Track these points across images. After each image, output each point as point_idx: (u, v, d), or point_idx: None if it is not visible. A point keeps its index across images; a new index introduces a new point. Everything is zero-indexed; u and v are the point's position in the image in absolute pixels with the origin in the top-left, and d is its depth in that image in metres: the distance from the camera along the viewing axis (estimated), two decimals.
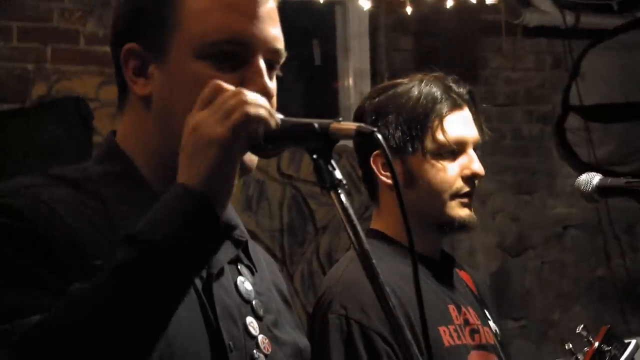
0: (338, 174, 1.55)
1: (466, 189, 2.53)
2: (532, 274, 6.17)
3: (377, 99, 2.59)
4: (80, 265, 1.54)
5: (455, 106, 2.53)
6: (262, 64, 1.66)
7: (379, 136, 1.52)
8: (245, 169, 1.68)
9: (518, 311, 6.06)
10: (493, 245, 6.03)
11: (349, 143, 1.53)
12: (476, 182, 2.56)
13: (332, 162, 1.55)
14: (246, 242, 1.82)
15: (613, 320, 6.34)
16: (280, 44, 1.71)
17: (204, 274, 1.69)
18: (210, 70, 1.64)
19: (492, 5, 5.10)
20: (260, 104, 1.53)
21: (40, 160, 4.38)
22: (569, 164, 6.14)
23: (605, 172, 5.87)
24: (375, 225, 2.65)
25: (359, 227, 1.54)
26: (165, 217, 1.50)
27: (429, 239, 2.60)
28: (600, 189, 2.55)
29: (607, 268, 6.37)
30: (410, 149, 2.52)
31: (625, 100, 6.27)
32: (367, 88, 5.76)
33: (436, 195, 2.53)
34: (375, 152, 2.55)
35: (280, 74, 1.75)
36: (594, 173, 2.60)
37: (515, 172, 6.12)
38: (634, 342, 2.25)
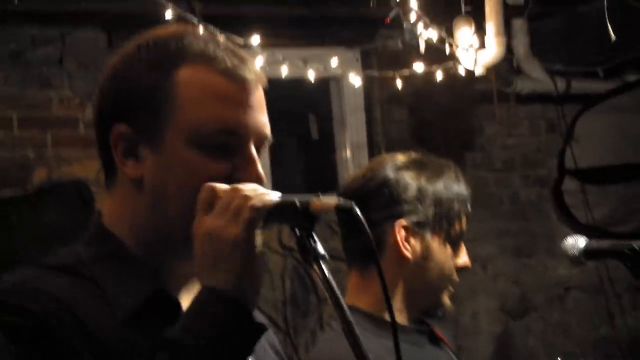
0: (320, 248, 1.56)
1: (457, 279, 2.59)
2: (535, 336, 6.13)
3: (402, 171, 2.57)
4: (91, 350, 1.54)
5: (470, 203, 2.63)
6: (254, 152, 1.67)
7: (358, 211, 1.54)
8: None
9: None
10: (495, 308, 6.01)
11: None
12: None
13: (314, 236, 1.57)
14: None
15: None
16: (268, 130, 1.71)
17: None
18: (203, 159, 1.64)
19: (483, 76, 5.09)
20: (259, 193, 1.56)
21: (43, 245, 4.36)
22: (568, 225, 6.12)
23: (602, 233, 5.91)
24: (351, 299, 2.58)
25: (341, 299, 1.55)
26: (203, 323, 1.52)
27: (415, 319, 2.61)
28: (586, 252, 2.52)
29: (610, 327, 6.31)
30: (435, 228, 2.54)
31: (619, 161, 6.26)
32: (364, 160, 5.79)
33: (441, 280, 2.57)
34: (399, 221, 2.53)
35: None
36: (579, 236, 2.57)
37: (515, 236, 6.10)
38: None
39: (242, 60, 1.69)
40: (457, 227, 2.55)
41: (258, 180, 1.64)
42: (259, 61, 4.53)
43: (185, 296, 1.70)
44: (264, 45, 4.42)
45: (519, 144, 6.18)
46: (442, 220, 2.54)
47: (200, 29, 3.98)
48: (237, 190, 1.55)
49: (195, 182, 1.62)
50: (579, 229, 5.76)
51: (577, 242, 2.51)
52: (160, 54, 1.69)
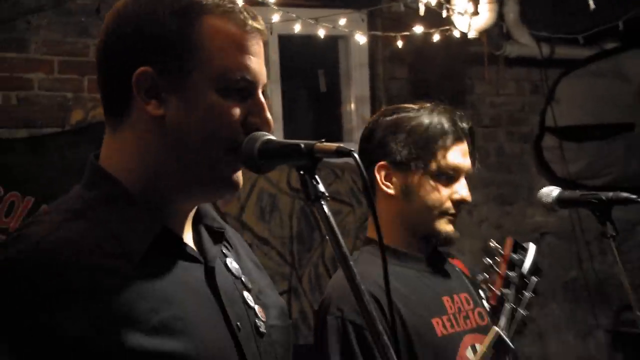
0: (321, 187, 1.57)
1: (452, 210, 2.58)
2: None
3: (390, 117, 2.61)
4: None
5: (457, 139, 2.58)
6: (263, 98, 1.70)
7: (356, 156, 1.55)
8: (237, 188, 1.72)
9: None
10: (479, 249, 6.03)
11: (351, 160, 1.59)
12: (462, 205, 2.61)
13: (316, 177, 1.58)
14: (224, 231, 1.85)
15: (584, 315, 6.35)
16: (265, 79, 1.74)
17: (202, 268, 1.72)
18: (226, 103, 1.66)
19: (476, 39, 5.12)
20: None
21: (78, 176, 4.40)
22: (546, 178, 6.15)
23: (577, 186, 5.96)
24: (370, 233, 2.69)
25: (339, 235, 1.56)
26: None
27: (419, 245, 2.64)
28: (559, 200, 2.60)
29: (579, 270, 6.38)
30: (413, 167, 2.57)
31: (595, 121, 6.29)
32: (367, 113, 5.78)
33: (428, 211, 2.58)
34: (379, 163, 2.59)
35: None
36: (554, 187, 2.65)
37: (499, 186, 6.13)
38: (531, 245, 2.44)
39: (254, 15, 1.71)
40: (436, 162, 2.56)
41: (266, 123, 1.68)
42: (275, 18, 4.57)
43: (186, 232, 1.75)
44: (279, 4, 4.44)
45: (505, 102, 6.18)
46: (417, 159, 2.56)
47: None
48: None
49: (217, 123, 1.65)
50: (556, 182, 5.79)
51: (551, 191, 2.62)
52: (183, 4, 1.67)
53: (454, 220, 2.60)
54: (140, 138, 1.67)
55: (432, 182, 2.57)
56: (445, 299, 2.60)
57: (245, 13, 1.69)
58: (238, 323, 1.71)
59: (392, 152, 2.58)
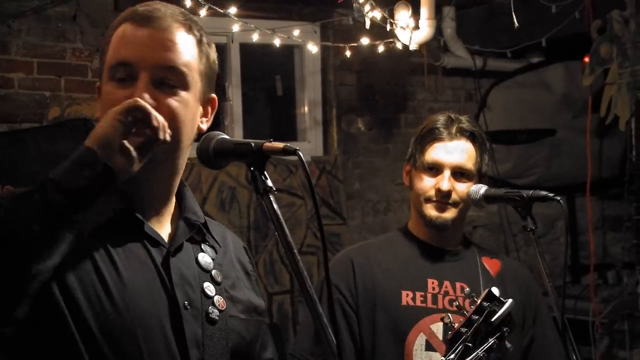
0: (269, 182, 1.61)
1: (434, 198, 2.69)
2: None
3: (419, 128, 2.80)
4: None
5: (441, 138, 2.69)
6: (143, 79, 1.68)
7: (300, 154, 1.59)
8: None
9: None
10: None
11: (306, 158, 1.59)
12: (450, 194, 2.68)
13: (265, 173, 1.61)
14: (201, 224, 1.85)
15: None
16: (170, 62, 1.70)
17: (164, 252, 1.73)
18: (114, 89, 1.69)
19: (417, 51, 5.14)
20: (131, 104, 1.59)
21: (54, 168, 4.36)
22: None
23: (505, 184, 6.00)
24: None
25: (284, 225, 1.62)
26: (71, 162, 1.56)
27: (425, 229, 2.76)
28: (485, 197, 2.62)
29: None
30: (412, 162, 2.76)
31: (521, 127, 6.34)
32: (319, 115, 5.80)
33: (417, 197, 2.73)
34: (406, 163, 2.80)
35: (181, 91, 1.73)
36: (482, 185, 2.66)
37: None
38: (509, 301, 2.33)
39: (154, 11, 1.73)
40: (422, 158, 2.69)
41: (134, 101, 1.61)
42: (235, 28, 4.55)
43: (157, 217, 1.77)
44: (239, 15, 4.43)
45: (443, 108, 5.95)
46: (414, 154, 2.73)
47: (188, 0, 4.01)
48: (134, 102, 1.59)
49: (107, 104, 1.65)
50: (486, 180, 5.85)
51: (479, 189, 2.63)
52: (116, 20, 1.78)
53: (439, 206, 2.68)
54: None
55: (421, 174, 2.71)
56: (431, 280, 2.68)
57: (145, 13, 1.73)
58: (186, 302, 1.71)
59: (411, 154, 2.78)
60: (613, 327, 5.05)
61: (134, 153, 1.56)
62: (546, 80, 6.28)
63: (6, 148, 4.44)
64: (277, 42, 4.75)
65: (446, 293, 2.66)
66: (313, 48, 4.91)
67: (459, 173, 2.68)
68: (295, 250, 1.60)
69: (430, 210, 2.69)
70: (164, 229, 1.78)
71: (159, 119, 1.59)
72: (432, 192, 2.68)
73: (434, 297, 2.64)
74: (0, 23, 4.56)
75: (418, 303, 2.61)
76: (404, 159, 2.83)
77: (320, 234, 1.72)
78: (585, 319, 5.32)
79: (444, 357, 2.26)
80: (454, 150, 2.67)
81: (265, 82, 5.82)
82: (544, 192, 2.47)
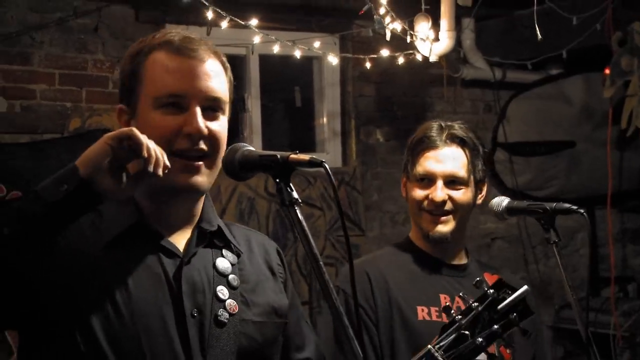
0: (295, 194, 1.61)
1: (428, 208, 2.63)
2: None
3: (413, 135, 2.73)
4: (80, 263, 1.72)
5: (432, 147, 2.62)
6: (197, 109, 1.78)
7: (326, 166, 1.60)
8: (192, 190, 1.81)
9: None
10: None
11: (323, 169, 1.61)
12: (445, 204, 2.63)
13: (291, 184, 1.62)
14: (213, 232, 1.90)
15: None
16: (216, 93, 1.82)
17: (178, 261, 1.79)
18: (161, 117, 1.78)
19: (436, 62, 5.13)
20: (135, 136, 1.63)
21: None
22: (497, 188, 6.15)
23: (524, 196, 5.98)
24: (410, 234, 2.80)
25: (309, 236, 1.60)
26: (55, 178, 1.62)
27: (425, 242, 2.70)
28: (508, 209, 2.60)
29: (525, 271, 6.40)
30: (405, 173, 2.72)
31: (540, 139, 6.32)
32: (337, 126, 5.79)
33: (412, 208, 2.69)
34: (403, 175, 2.73)
35: (225, 116, 1.87)
36: (504, 197, 2.65)
37: None
38: (525, 287, 2.21)
39: (192, 40, 1.83)
40: (415, 168, 2.64)
41: (198, 130, 1.77)
42: (256, 40, 4.56)
43: (177, 230, 1.85)
44: (260, 27, 4.43)
45: (461, 119, 6.08)
46: (406, 166, 2.69)
47: (210, 12, 4.03)
48: (130, 131, 1.63)
49: (154, 134, 1.71)
50: (506, 192, 5.84)
51: (502, 201, 2.61)
52: (137, 50, 1.85)
53: (434, 218, 2.62)
54: None
55: (414, 186, 2.66)
56: (443, 296, 2.62)
57: (183, 42, 1.82)
58: (194, 310, 1.76)
59: (405, 165, 2.73)
60: (634, 341, 5.01)
61: (124, 178, 1.63)
62: (565, 92, 6.27)
63: (27, 159, 4.47)
64: (297, 53, 4.75)
65: (458, 309, 2.62)
66: (333, 59, 4.90)
67: (452, 181, 2.64)
68: (321, 262, 1.61)
69: (427, 224, 2.64)
70: (184, 239, 1.85)
71: (151, 151, 1.63)
72: (425, 203, 2.64)
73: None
74: (23, 35, 4.59)
75: (434, 318, 2.58)
76: None
77: (346, 245, 1.72)
78: (606, 332, 5.29)
79: (432, 345, 2.04)
80: (445, 159, 2.63)
81: (284, 93, 5.82)
82: (567, 205, 2.46)
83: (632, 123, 4.98)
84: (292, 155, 1.62)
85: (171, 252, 1.80)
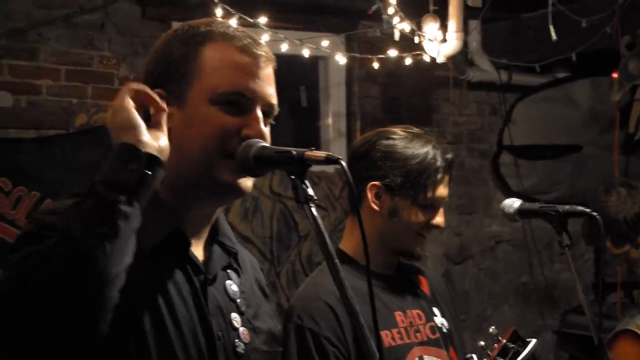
0: (311, 191, 1.57)
1: (426, 233, 2.57)
2: (470, 279, 6.18)
3: (387, 142, 2.56)
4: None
5: (445, 173, 2.56)
6: (259, 113, 1.71)
7: (344, 164, 1.55)
8: (240, 192, 1.72)
9: (459, 308, 6.06)
10: (440, 254, 6.03)
11: (327, 169, 1.58)
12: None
13: (306, 181, 1.58)
14: (236, 252, 1.85)
15: (533, 316, 6.36)
16: (274, 100, 1.76)
17: (202, 278, 1.73)
18: (218, 113, 1.69)
19: (443, 64, 5.13)
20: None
21: (80, 176, 4.38)
22: (502, 191, 6.17)
23: (530, 200, 5.97)
24: (342, 245, 2.64)
25: (325, 234, 1.56)
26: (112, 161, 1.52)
27: (389, 260, 2.61)
28: (520, 211, 2.58)
29: (530, 276, 6.39)
30: (403, 194, 2.52)
31: (546, 142, 6.31)
32: (343, 127, 5.78)
33: (407, 231, 2.54)
34: (372, 182, 2.54)
35: (273, 122, 1.80)
36: (515, 199, 2.63)
37: (459, 197, 6.12)
38: (533, 341, 2.26)
39: (255, 41, 1.75)
40: (425, 195, 2.52)
41: (260, 135, 1.68)
42: (264, 38, 4.55)
43: (196, 239, 1.76)
44: (268, 26, 4.44)
45: (467, 122, 6.19)
46: (408, 189, 2.51)
47: (219, 9, 4.02)
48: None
49: (210, 131, 1.67)
50: (511, 195, 5.81)
51: (513, 202, 2.58)
52: (190, 35, 1.75)
53: (424, 242, 2.58)
54: None
55: (415, 209, 2.53)
56: (398, 313, 2.55)
57: (247, 39, 1.74)
58: (219, 333, 1.72)
59: (386, 176, 2.53)
60: None
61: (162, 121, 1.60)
62: (572, 95, 6.26)
63: (32, 154, 4.48)
64: (305, 52, 4.75)
65: (411, 324, 2.56)
66: (341, 59, 4.90)
67: None
68: (336, 260, 1.57)
69: (418, 246, 2.58)
70: (199, 251, 1.78)
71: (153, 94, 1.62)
72: (424, 228, 2.56)
73: (407, 331, 2.53)
74: (29, 30, 4.59)
75: (398, 341, 2.49)
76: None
77: (363, 245, 1.68)
78: None
79: None
80: (447, 183, 2.60)
81: (290, 93, 5.81)
82: (580, 207, 2.44)
83: None
84: (308, 152, 1.58)
85: (197, 267, 1.73)
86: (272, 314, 1.93)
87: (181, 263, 1.71)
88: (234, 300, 1.79)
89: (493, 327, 2.38)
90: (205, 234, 1.79)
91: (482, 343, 2.38)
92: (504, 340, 2.29)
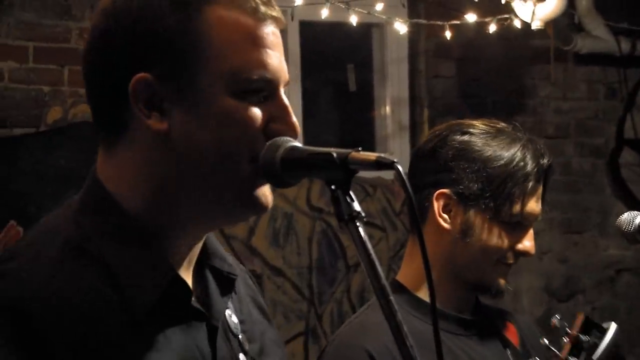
0: (357, 205, 1.55)
1: (511, 261, 2.55)
2: None
3: (462, 138, 2.55)
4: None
5: (538, 183, 2.54)
6: (286, 99, 1.69)
7: (400, 169, 1.52)
8: (260, 207, 1.70)
9: None
10: (539, 288, 6.02)
11: (385, 175, 1.59)
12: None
13: (351, 193, 1.56)
14: (235, 278, 1.85)
15: None
16: (288, 78, 1.74)
17: (207, 325, 1.73)
18: (242, 106, 1.64)
19: (540, 31, 5.12)
20: None
21: (55, 185, 4.43)
22: (623, 201, 6.17)
23: None
24: (400, 275, 2.64)
25: (376, 261, 1.55)
26: None
27: (462, 296, 2.61)
28: None
29: None
30: (482, 206, 2.52)
31: None
32: (405, 117, 5.82)
33: (485, 256, 2.53)
34: (441, 190, 2.54)
35: None
36: (637, 212, 2.61)
37: (565, 210, 6.13)
38: (613, 325, 2.23)
39: (267, 0, 1.70)
40: (510, 208, 2.50)
41: (293, 129, 1.66)
42: (297, 1, 4.58)
43: (185, 267, 1.74)
44: None
45: (574, 108, 6.18)
46: (488, 199, 2.51)
47: None
48: None
49: (234, 132, 1.64)
50: (635, 206, 5.78)
51: (634, 218, 2.56)
52: None
53: (507, 271, 2.57)
54: (142, 159, 1.65)
55: (497, 227, 2.53)
56: None
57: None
58: None
59: (459, 182, 2.53)
60: None
61: None
62: None
63: None
64: (353, 19, 4.77)
65: None
66: (401, 27, 4.92)
67: None
68: (391, 297, 1.57)
69: (500, 277, 2.56)
70: (188, 280, 1.76)
71: None
72: (509, 253, 2.55)
73: None
74: None
75: None
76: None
77: (427, 278, 1.68)
78: None
79: None
80: (540, 197, 2.58)
81: (334, 73, 5.85)
82: None
83: None
84: (353, 153, 1.55)
85: (200, 313, 1.73)
86: (278, 340, 1.94)
87: (182, 319, 1.70)
88: (236, 336, 1.80)
89: (557, 315, 2.36)
90: (194, 258, 1.78)
91: (546, 341, 2.36)
92: (575, 332, 2.27)
